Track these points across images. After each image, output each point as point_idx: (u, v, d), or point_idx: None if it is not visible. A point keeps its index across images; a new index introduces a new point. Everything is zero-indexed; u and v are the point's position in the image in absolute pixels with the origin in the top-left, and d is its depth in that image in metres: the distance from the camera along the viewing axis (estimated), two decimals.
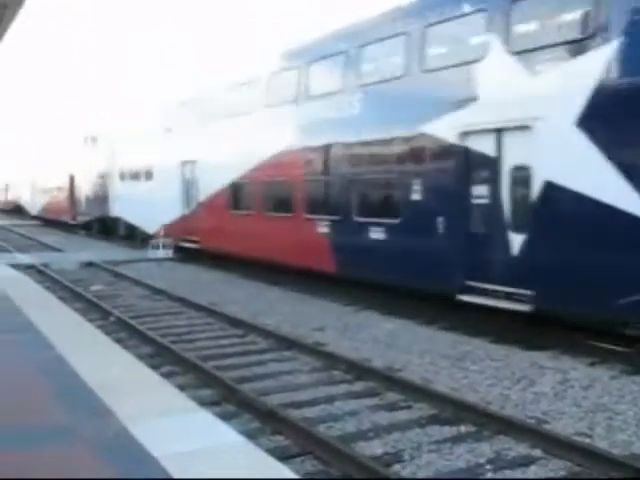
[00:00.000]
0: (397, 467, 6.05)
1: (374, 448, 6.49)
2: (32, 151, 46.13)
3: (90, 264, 21.02)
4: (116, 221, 29.21)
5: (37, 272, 18.82)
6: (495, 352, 10.14)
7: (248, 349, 10.46)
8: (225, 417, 6.53)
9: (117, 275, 18.86)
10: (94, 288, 16.47)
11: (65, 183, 37.15)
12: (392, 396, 8.05)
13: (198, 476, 4.29)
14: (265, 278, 17.34)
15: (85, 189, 33.91)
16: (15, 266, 17.74)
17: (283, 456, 5.86)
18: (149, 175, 25.17)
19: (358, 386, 8.49)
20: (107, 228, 30.65)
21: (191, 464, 4.47)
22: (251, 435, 6.22)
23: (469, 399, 7.74)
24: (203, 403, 6.80)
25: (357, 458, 6.00)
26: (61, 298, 13.04)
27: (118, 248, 26.67)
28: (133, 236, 26.77)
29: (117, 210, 29.03)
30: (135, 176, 26.70)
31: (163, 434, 5.02)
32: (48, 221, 42.13)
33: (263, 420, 7.17)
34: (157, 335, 10.90)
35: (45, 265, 20.11)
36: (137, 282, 17.30)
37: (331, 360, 9.51)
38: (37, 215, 45.72)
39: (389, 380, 8.51)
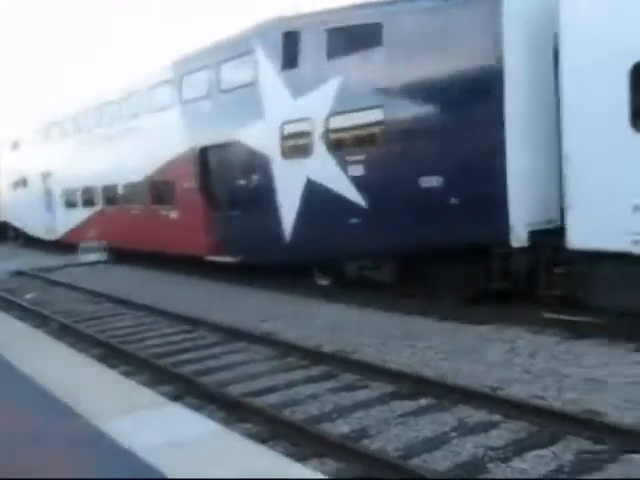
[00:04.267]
0: (366, 442, 6.24)
1: (340, 427, 6.66)
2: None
3: (21, 273, 20.52)
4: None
5: None
6: (442, 329, 10.48)
7: (199, 344, 10.49)
8: None
9: (51, 282, 18.48)
10: (29, 296, 16.13)
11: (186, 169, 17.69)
12: (349, 377, 8.24)
13: (190, 469, 4.36)
14: (207, 275, 17.30)
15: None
16: None
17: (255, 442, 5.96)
18: None
19: (315, 370, 8.65)
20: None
21: (176, 455, 4.54)
22: None
23: (425, 373, 8.00)
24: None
25: (326, 437, 6.17)
26: None
27: (47, 255, 26.01)
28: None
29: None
30: None
31: (138, 429, 5.05)
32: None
33: (228, 410, 7.26)
34: (106, 337, 10.80)
35: None
36: (73, 287, 17.02)
37: (284, 348, 9.65)
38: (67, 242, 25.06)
39: (344, 362, 8.71)
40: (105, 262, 22.05)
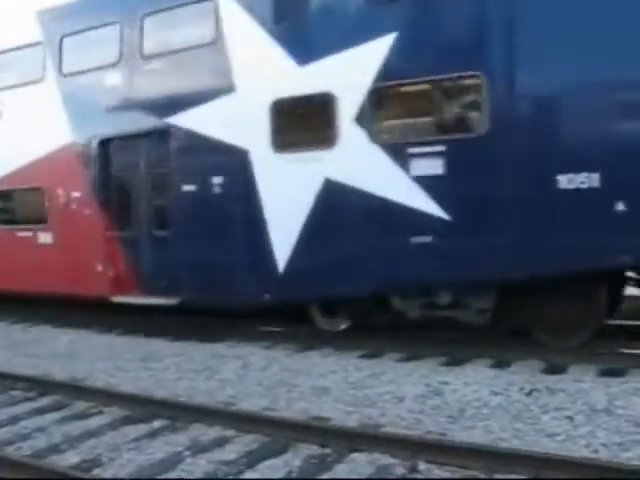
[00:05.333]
0: (97, 471, 6.00)
1: (70, 458, 6.33)
2: None
3: None
4: None
5: None
6: (177, 349, 10.49)
7: None
8: None
9: None
10: None
11: None
12: (81, 405, 7.89)
13: None
14: None
15: None
16: None
17: None
18: None
19: (43, 401, 8.16)
20: None
21: None
22: None
23: (159, 395, 7.91)
24: None
25: (53, 469, 5.85)
26: None
27: None
28: None
29: None
30: None
31: None
32: None
33: None
34: None
35: None
36: None
37: (8, 379, 9.01)
38: None
39: (75, 390, 8.33)
40: None
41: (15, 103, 13.30)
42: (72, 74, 12.51)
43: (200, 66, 10.83)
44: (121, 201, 12.07)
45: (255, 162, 10.19)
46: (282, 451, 6.12)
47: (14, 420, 7.52)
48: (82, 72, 12.38)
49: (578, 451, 5.69)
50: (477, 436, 6.19)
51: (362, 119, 9.31)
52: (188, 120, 10.81)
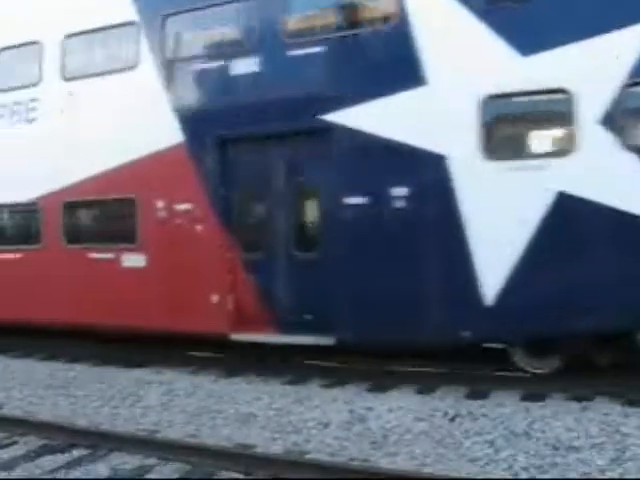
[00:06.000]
0: None
1: None
2: None
3: None
4: None
5: None
6: (99, 375, 10.20)
7: None
8: None
9: None
10: None
11: None
12: None
13: None
14: None
15: None
16: None
17: None
18: None
19: None
20: None
21: None
22: None
23: (79, 423, 7.69)
24: None
25: None
26: None
27: None
28: None
29: None
30: None
31: None
32: None
33: None
34: None
35: None
36: None
37: None
38: None
39: None
40: None
41: (95, 94, 10.92)
42: (180, 60, 10.43)
43: (375, 52, 9.01)
44: (248, 216, 10.18)
45: (456, 170, 8.46)
46: (206, 479, 6.02)
47: None
48: (195, 58, 10.35)
49: (499, 475, 5.78)
50: (401, 462, 6.22)
51: (611, 121, 7.82)
52: (358, 118, 8.93)
